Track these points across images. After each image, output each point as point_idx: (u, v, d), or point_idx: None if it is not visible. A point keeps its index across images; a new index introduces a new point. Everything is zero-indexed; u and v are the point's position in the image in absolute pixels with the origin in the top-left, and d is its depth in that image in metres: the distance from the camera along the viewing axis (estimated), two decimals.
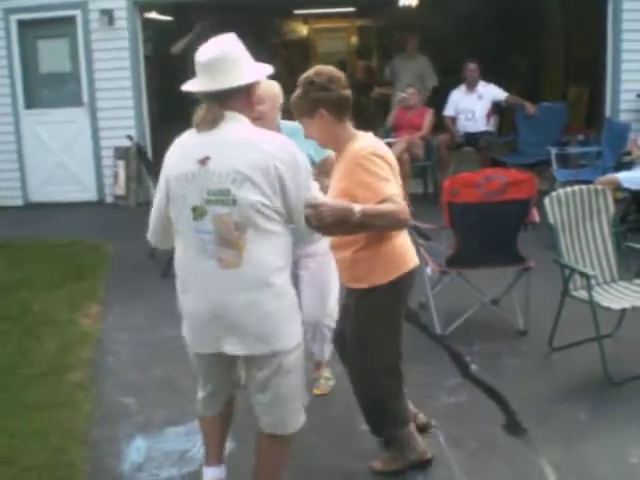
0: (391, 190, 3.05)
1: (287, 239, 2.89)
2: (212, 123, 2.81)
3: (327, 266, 3.98)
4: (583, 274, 4.51)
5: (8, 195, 9.70)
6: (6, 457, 3.80)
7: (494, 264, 5.03)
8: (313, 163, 3.39)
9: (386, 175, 3.09)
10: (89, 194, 9.70)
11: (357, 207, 2.87)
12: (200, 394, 3.23)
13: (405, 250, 3.34)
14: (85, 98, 9.43)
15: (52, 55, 9.61)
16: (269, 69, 2.97)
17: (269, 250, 2.80)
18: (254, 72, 2.91)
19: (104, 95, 9.27)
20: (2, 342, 5.32)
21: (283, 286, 2.88)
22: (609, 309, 4.44)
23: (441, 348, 4.90)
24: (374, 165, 3.08)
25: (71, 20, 9.29)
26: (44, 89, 9.72)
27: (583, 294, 4.51)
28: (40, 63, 9.65)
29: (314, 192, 2.92)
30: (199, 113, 2.84)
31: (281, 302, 2.88)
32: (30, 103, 9.66)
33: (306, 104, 3.19)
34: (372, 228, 3.06)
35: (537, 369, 4.63)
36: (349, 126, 3.27)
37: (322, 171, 3.63)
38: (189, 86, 2.88)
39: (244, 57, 2.90)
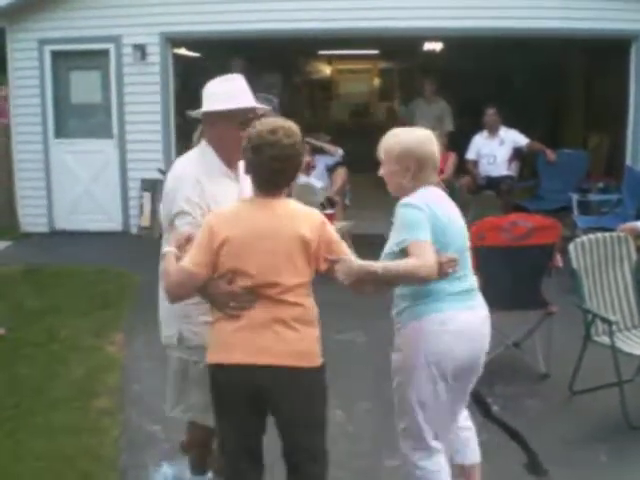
0: (186, 260, 2.92)
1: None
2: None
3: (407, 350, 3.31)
4: (605, 320, 4.58)
5: (34, 221, 9.86)
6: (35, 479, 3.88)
7: (518, 307, 5.11)
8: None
9: (195, 244, 2.95)
10: (114, 224, 9.81)
11: (170, 248, 3.06)
12: None
13: (221, 337, 3.00)
14: (115, 130, 9.59)
15: (84, 86, 9.80)
16: (220, 105, 3.29)
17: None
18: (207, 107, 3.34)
19: (133, 128, 9.44)
20: (29, 366, 5.40)
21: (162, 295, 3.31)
22: (630, 355, 4.50)
23: None
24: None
25: (104, 53, 9.49)
26: (74, 119, 9.90)
27: (605, 339, 4.58)
28: (72, 94, 9.83)
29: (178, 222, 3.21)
30: None
31: (162, 307, 3.44)
32: (60, 132, 9.82)
33: None
34: None
35: (558, 412, 4.69)
36: (258, 191, 3.03)
37: None
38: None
39: (213, 93, 3.34)
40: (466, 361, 3.24)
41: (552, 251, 4.97)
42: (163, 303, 3.39)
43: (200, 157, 3.34)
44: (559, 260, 5.03)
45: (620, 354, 4.47)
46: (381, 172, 3.35)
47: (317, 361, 3.01)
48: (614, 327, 4.56)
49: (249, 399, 2.97)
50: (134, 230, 9.78)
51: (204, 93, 3.37)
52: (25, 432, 4.39)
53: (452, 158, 9.36)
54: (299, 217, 2.99)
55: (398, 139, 3.29)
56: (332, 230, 3.06)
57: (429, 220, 3.11)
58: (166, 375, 3.54)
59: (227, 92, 3.32)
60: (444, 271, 3.06)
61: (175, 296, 3.01)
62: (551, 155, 9.55)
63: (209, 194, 3.22)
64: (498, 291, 4.97)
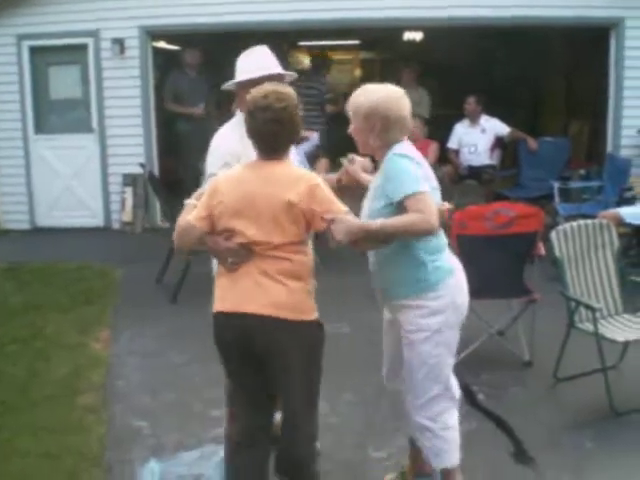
0: (192, 214, 3.13)
1: None
2: None
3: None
4: (589, 307, 4.60)
5: (15, 218, 9.75)
6: (20, 478, 3.85)
7: (501, 296, 5.13)
8: None
9: (200, 201, 3.15)
10: (96, 220, 9.74)
11: (191, 200, 3.25)
12: None
13: (220, 289, 3.17)
14: (95, 125, 9.51)
15: (63, 81, 9.70)
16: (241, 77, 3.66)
17: None
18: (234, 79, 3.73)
19: (113, 122, 9.38)
20: (13, 363, 5.37)
21: None
22: (614, 341, 4.52)
23: None
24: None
25: (83, 48, 9.40)
26: (54, 115, 9.81)
27: (588, 326, 4.60)
28: (51, 89, 9.73)
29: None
30: None
31: None
32: (40, 128, 9.72)
33: None
34: None
35: (542, 399, 4.71)
36: (259, 155, 3.15)
37: None
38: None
39: (238, 67, 3.71)
40: None
41: (535, 239, 4.98)
42: None
43: (237, 125, 3.62)
44: (542, 248, 5.04)
45: (604, 341, 4.48)
46: (350, 129, 3.32)
47: (305, 315, 3.08)
48: (597, 314, 4.58)
49: (240, 345, 3.08)
50: (116, 225, 9.71)
51: (237, 67, 3.75)
52: (10, 430, 4.36)
53: (434, 146, 9.35)
54: (289, 181, 3.04)
55: (365, 97, 3.25)
56: (326, 190, 3.06)
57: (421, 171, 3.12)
58: None
59: (252, 64, 3.66)
60: (446, 218, 3.16)
61: (177, 245, 3.22)
62: (532, 143, 9.58)
63: (244, 160, 3.35)
64: (481, 280, 4.96)
